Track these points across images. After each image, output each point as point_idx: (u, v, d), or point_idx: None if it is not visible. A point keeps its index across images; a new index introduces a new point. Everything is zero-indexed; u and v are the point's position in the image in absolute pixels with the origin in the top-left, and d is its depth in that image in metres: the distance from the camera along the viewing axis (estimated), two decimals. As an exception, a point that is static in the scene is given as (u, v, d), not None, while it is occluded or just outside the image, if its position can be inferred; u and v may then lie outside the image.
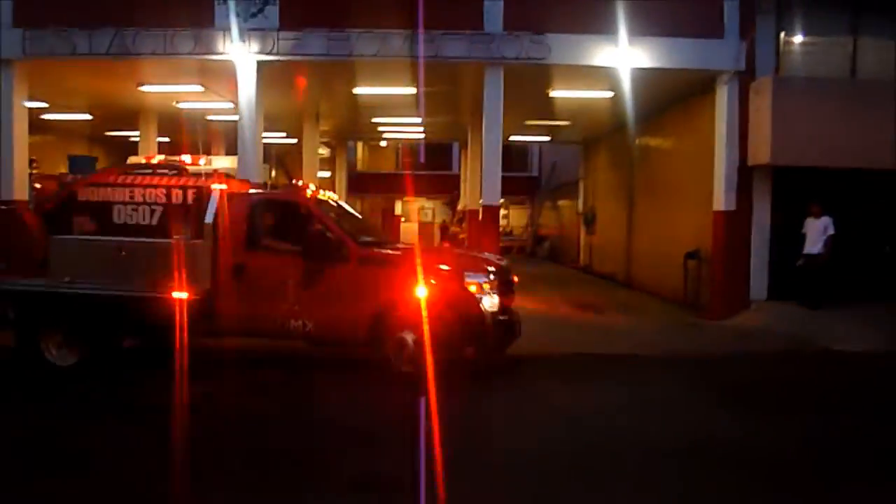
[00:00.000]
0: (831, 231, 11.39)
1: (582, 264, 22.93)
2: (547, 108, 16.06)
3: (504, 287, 7.68)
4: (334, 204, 9.06)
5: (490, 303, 7.38)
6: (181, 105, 16.27)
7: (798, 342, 10.04)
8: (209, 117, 17.83)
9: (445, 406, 5.65)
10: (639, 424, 6.07)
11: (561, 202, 28.87)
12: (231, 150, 16.85)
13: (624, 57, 11.59)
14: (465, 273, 7.52)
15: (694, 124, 14.02)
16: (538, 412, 6.62)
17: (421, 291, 7.03)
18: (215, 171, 8.27)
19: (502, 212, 21.71)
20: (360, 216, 9.22)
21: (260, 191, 8.56)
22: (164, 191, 7.60)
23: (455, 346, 7.22)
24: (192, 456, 4.65)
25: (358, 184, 30.70)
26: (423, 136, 23.02)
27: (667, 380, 7.92)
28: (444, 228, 26.86)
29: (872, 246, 12.38)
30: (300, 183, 7.72)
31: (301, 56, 11.87)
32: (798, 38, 12.66)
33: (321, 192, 8.75)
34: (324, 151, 23.99)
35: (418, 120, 18.84)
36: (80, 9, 11.81)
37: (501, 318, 7.51)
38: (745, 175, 12.20)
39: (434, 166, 30.52)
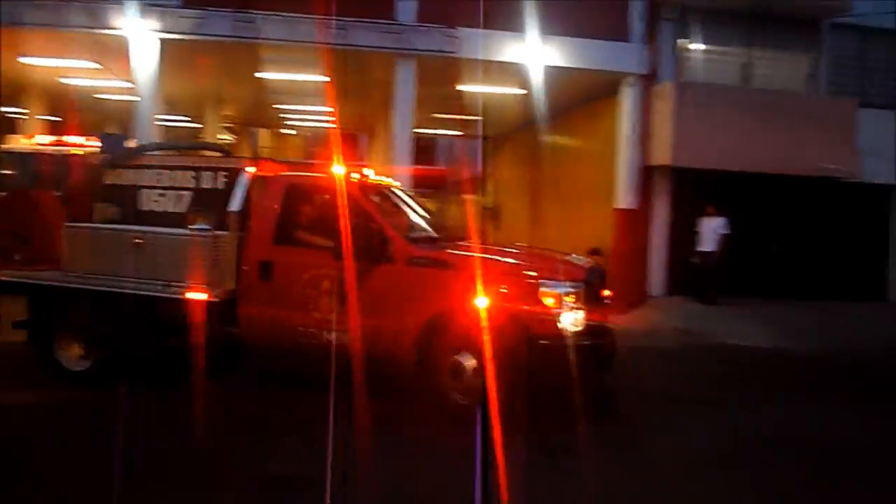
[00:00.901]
0: (725, 231, 11.99)
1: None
2: (456, 102, 16.07)
3: (592, 299, 6.04)
4: (391, 192, 7.49)
5: (572, 320, 5.70)
6: (70, 81, 15.22)
7: (693, 336, 10.50)
8: (103, 96, 16.79)
9: (519, 469, 4.15)
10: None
11: (467, 196, 29.02)
12: (126, 132, 15.93)
13: (533, 54, 11.74)
14: (541, 281, 5.79)
15: (598, 125, 14.41)
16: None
17: (481, 302, 5.34)
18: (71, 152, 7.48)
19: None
20: (425, 208, 7.68)
21: (295, 174, 6.92)
22: (192, 173, 6.51)
23: (524, 377, 5.47)
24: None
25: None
26: (331, 125, 22.59)
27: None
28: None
29: (763, 245, 13.15)
30: (344, 164, 6.25)
31: (204, 36, 11.33)
32: (698, 47, 13.24)
33: (372, 176, 7.22)
34: (227, 137, 23.14)
35: (326, 109, 18.45)
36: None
37: (586, 341, 5.74)
38: (646, 175, 12.66)
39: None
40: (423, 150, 25.85)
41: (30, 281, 6.54)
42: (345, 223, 5.77)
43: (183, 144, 9.47)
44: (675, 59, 13.02)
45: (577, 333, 5.67)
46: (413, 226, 7.08)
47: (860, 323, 11.51)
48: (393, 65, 11.90)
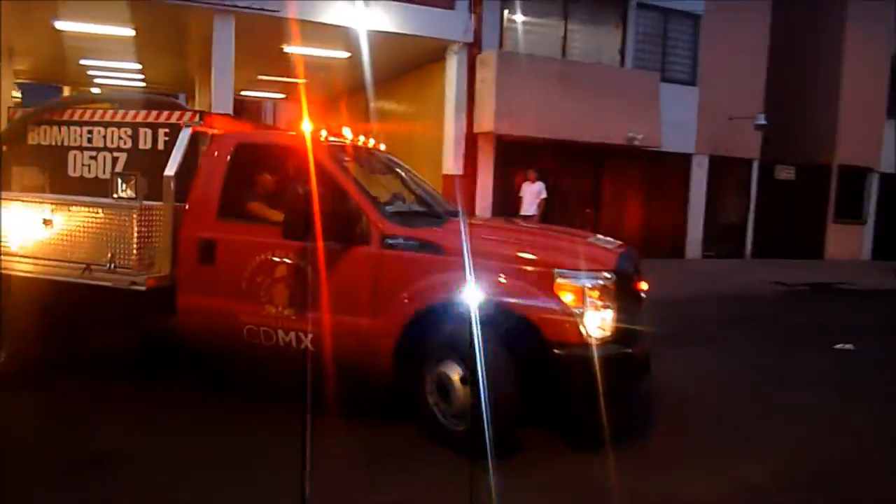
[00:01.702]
0: (544, 195, 12.62)
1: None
2: (282, 64, 15.52)
3: (624, 294, 4.43)
4: (372, 157, 5.96)
5: (598, 322, 4.20)
6: None
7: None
8: None
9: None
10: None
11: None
12: None
13: (360, 18, 11.55)
14: (557, 270, 4.25)
15: (427, 91, 14.53)
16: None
17: (477, 297, 4.14)
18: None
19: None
20: (416, 178, 6.25)
21: (247, 132, 5.63)
22: (128, 130, 5.31)
23: (532, 397, 4.28)
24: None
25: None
26: (142, 84, 20.97)
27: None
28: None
29: (578, 208, 14.04)
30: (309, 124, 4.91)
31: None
32: (520, 18, 13.69)
33: (349, 137, 5.65)
34: (19, 95, 20.75)
35: (137, 66, 17.10)
36: None
37: (616, 350, 4.25)
38: (471, 142, 12.99)
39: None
40: (248, 112, 24.84)
41: None
42: (306, 193, 4.42)
43: (123, 95, 7.94)
44: (499, 29, 13.39)
45: (604, 340, 4.22)
46: (396, 199, 5.58)
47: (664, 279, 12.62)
48: (210, 21, 11.20)
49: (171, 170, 4.84)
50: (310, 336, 4.56)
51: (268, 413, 4.70)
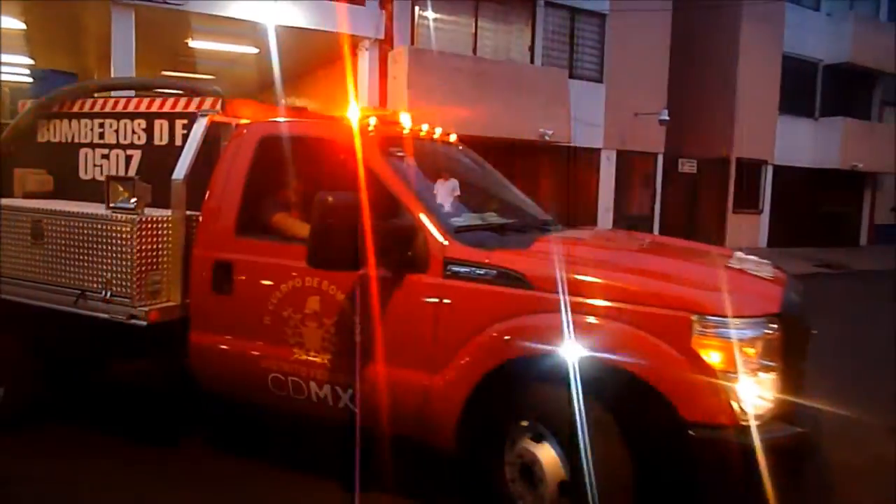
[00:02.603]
0: (457, 192, 12.72)
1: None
2: (188, 59, 15.02)
3: (793, 348, 3.07)
4: (438, 149, 4.68)
5: (757, 392, 2.88)
6: None
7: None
8: None
9: None
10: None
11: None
12: None
13: (268, 13, 11.31)
14: (696, 316, 2.91)
15: (340, 88, 14.36)
16: None
17: (576, 351, 2.95)
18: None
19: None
20: (498, 177, 5.06)
21: (274, 120, 4.27)
22: (143, 122, 4.34)
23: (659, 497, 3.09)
24: None
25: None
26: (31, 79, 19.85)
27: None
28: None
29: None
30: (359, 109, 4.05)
31: None
32: (431, 15, 13.75)
33: (406, 124, 4.40)
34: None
35: (29, 61, 16.17)
36: None
37: (784, 432, 2.88)
38: (385, 139, 12.96)
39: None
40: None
41: None
42: (339, 203, 3.14)
43: (139, 81, 6.84)
44: (411, 26, 13.40)
45: (766, 418, 2.87)
46: (469, 207, 4.14)
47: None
48: (108, 14, 10.71)
49: (180, 172, 3.83)
50: (349, 392, 3.42)
51: (299, 489, 3.73)
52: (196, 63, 15.37)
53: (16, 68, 17.82)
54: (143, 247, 3.73)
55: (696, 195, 18.57)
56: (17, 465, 3.92)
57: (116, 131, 4.44)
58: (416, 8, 13.54)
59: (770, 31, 18.85)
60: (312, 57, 14.39)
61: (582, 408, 2.89)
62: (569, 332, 2.95)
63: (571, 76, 15.11)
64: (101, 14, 10.91)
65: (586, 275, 3.11)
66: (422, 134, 4.47)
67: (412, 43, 13.22)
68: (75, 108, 4.64)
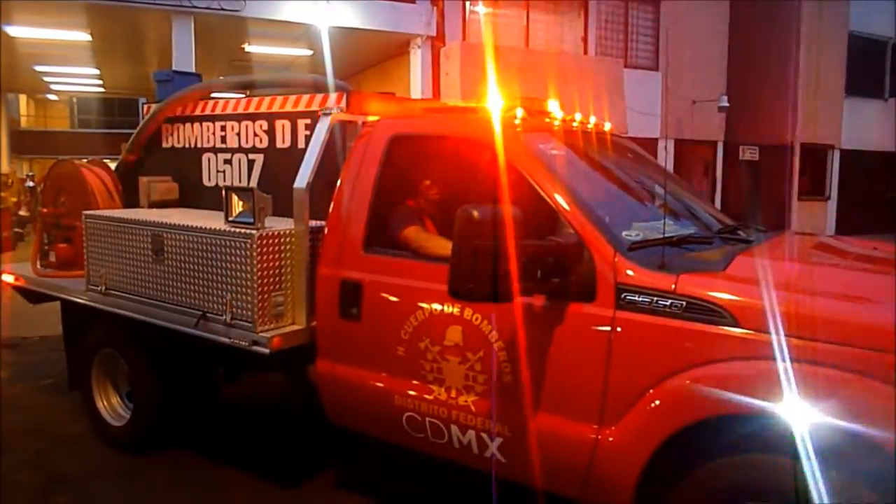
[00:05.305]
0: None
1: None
2: (245, 63, 15.34)
3: None
4: (600, 146, 3.95)
5: None
6: None
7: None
8: None
9: None
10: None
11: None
12: None
13: (322, 15, 11.45)
14: None
15: (391, 86, 14.45)
16: None
17: (802, 412, 2.15)
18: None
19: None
20: (672, 178, 4.23)
21: (409, 118, 3.75)
22: (265, 123, 3.98)
23: None
24: None
25: (21, 143, 26.53)
26: (101, 89, 20.59)
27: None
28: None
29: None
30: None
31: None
32: (483, 10, 13.70)
33: (558, 116, 3.97)
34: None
35: (95, 71, 16.77)
36: None
37: None
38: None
39: (118, 124, 27.59)
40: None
41: (41, 290, 4.62)
42: (486, 217, 2.52)
43: (266, 79, 6.45)
44: (462, 21, 13.37)
45: None
46: (641, 217, 3.09)
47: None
48: (169, 23, 11.01)
49: (302, 179, 3.36)
50: (497, 441, 2.86)
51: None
52: (252, 67, 15.69)
53: (82, 79, 18.56)
54: (265, 264, 3.31)
55: (758, 183, 18.02)
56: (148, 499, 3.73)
57: (238, 134, 4.11)
58: (467, 3, 13.50)
59: (834, 8, 18.14)
60: (363, 57, 14.52)
61: (817, 489, 2.12)
62: (791, 385, 2.19)
63: (626, 65, 14.82)
64: (161, 23, 11.22)
65: (811, 307, 2.33)
66: (574, 125, 3.86)
67: (464, 38, 13.19)
68: (197, 111, 4.34)
